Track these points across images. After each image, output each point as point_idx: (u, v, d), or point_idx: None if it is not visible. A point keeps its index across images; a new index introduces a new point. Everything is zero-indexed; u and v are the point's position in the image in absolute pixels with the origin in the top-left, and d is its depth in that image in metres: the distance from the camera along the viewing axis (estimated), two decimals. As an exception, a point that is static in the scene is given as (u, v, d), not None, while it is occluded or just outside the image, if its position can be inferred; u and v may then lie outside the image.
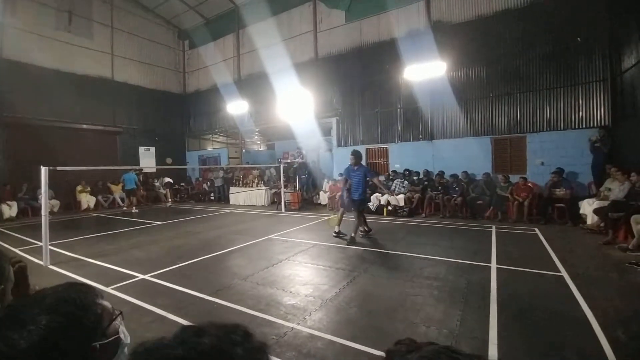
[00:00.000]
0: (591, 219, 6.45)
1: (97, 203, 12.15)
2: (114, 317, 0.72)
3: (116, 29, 14.27)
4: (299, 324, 2.98)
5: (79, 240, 6.76)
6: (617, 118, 7.76)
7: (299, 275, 4.36)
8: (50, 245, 5.25)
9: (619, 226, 5.47)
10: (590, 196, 7.24)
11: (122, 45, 14.49)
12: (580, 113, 8.29)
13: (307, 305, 3.38)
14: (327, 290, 3.78)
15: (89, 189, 12.13)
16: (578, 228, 6.72)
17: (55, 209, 10.76)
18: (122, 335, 0.72)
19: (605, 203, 6.11)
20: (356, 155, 6.24)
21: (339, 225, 6.44)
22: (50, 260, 5.01)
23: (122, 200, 12.71)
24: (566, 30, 8.32)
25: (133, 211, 11.32)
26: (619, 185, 6.09)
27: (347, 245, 5.77)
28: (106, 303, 0.72)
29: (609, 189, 6.44)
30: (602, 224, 6.00)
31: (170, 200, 13.77)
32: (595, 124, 8.04)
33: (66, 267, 4.88)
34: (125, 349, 0.72)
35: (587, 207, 6.72)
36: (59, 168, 5.31)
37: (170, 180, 14.17)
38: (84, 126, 12.94)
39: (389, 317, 3.10)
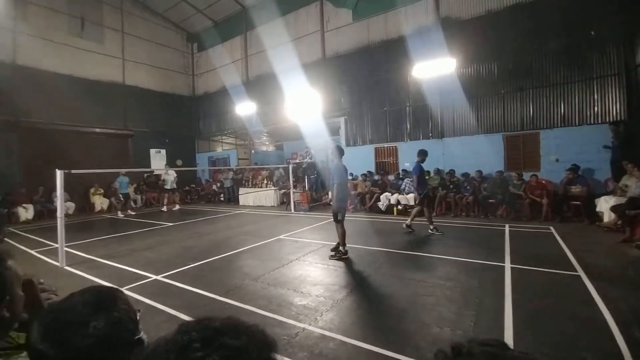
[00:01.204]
0: (608, 216, 6.28)
1: (110, 205, 12.36)
2: (138, 314, 0.76)
3: (127, 33, 14.53)
4: (310, 324, 2.97)
5: (93, 242, 6.89)
6: (633, 112, 7.53)
7: (310, 275, 4.36)
8: (66, 246, 5.37)
9: (637, 223, 5.32)
10: (607, 193, 7.04)
11: (133, 49, 14.74)
12: (596, 108, 8.08)
13: (318, 306, 3.37)
14: (337, 291, 3.77)
15: (101, 191, 12.37)
16: (594, 226, 6.55)
17: (71, 211, 10.98)
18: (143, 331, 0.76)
19: (623, 200, 5.94)
20: (335, 150, 5.40)
21: (412, 220, 6.87)
22: (66, 262, 5.12)
23: (135, 202, 12.91)
24: (578, 24, 8.11)
25: (124, 216, 10.94)
26: (636, 181, 5.92)
27: (330, 257, 5.13)
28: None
29: (626, 185, 6.27)
30: (619, 222, 5.83)
31: (165, 205, 12.21)
32: (611, 119, 7.81)
33: (81, 268, 4.97)
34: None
35: (604, 205, 6.54)
36: (73, 171, 5.43)
37: (173, 174, 12.42)
38: (97, 130, 13.20)
39: (400, 318, 3.07)
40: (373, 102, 11.51)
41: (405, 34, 10.41)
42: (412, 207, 9.04)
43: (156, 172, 14.25)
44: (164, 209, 12.02)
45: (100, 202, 12.22)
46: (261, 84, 14.34)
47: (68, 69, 12.50)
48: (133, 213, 11.37)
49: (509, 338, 2.60)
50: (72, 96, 12.26)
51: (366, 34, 11.56)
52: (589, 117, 8.17)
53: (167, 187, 12.39)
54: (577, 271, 4.06)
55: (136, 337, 0.71)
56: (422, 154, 6.79)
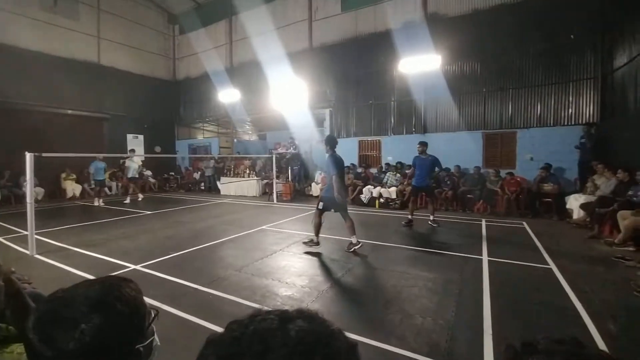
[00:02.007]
0: (577, 213, 6.63)
1: (83, 191, 11.83)
2: (153, 318, 0.68)
3: (103, 10, 13.74)
4: (295, 315, 2.97)
5: (66, 229, 6.59)
6: (605, 116, 7.92)
7: (294, 266, 4.36)
8: (36, 234, 5.10)
9: (605, 221, 5.63)
10: (576, 191, 7.42)
11: (110, 28, 13.96)
12: (570, 110, 8.44)
13: (303, 297, 3.38)
14: (322, 282, 3.79)
15: (74, 176, 11.81)
16: (564, 222, 6.90)
17: (40, 197, 10.43)
18: (156, 337, 0.68)
19: (592, 198, 6.28)
20: (328, 141, 5.13)
21: (411, 214, 6.77)
22: (36, 250, 4.87)
23: (110, 189, 12.41)
24: (560, 27, 8.39)
25: (100, 204, 10.08)
26: (606, 181, 6.26)
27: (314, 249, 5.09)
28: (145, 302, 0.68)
29: (595, 185, 6.61)
30: (588, 219, 6.16)
31: (138, 193, 11.25)
32: (584, 121, 8.18)
33: (53, 256, 4.74)
34: (157, 353, 0.68)
35: (574, 202, 6.89)
36: (44, 155, 5.12)
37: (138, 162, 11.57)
38: (69, 111, 12.52)
39: (384, 308, 3.13)
40: (358, 95, 11.52)
41: (393, 27, 10.41)
42: (393, 200, 9.23)
43: (122, 159, 12.72)
44: (127, 200, 10.62)
45: (72, 188, 11.67)
46: (245, 72, 14.00)
47: (39, 46, 11.70)
48: (102, 203, 10.21)
49: (487, 327, 2.70)
50: (43, 75, 11.56)
51: (354, 26, 11.48)
52: (563, 119, 8.53)
53: (129, 175, 11.17)
54: (549, 265, 4.27)
55: (137, 346, 0.61)
56: (419, 145, 6.90)
